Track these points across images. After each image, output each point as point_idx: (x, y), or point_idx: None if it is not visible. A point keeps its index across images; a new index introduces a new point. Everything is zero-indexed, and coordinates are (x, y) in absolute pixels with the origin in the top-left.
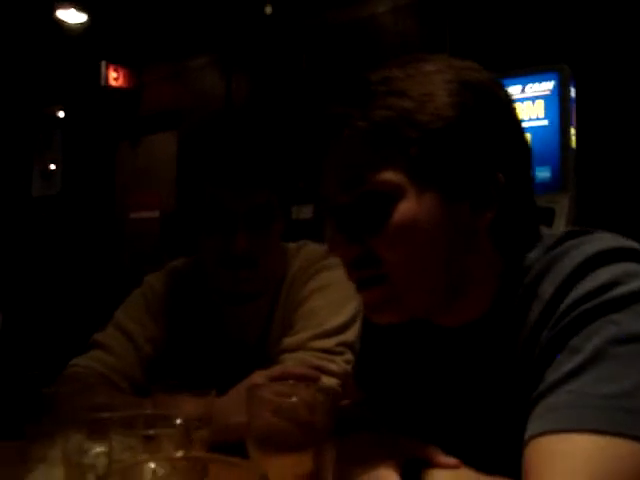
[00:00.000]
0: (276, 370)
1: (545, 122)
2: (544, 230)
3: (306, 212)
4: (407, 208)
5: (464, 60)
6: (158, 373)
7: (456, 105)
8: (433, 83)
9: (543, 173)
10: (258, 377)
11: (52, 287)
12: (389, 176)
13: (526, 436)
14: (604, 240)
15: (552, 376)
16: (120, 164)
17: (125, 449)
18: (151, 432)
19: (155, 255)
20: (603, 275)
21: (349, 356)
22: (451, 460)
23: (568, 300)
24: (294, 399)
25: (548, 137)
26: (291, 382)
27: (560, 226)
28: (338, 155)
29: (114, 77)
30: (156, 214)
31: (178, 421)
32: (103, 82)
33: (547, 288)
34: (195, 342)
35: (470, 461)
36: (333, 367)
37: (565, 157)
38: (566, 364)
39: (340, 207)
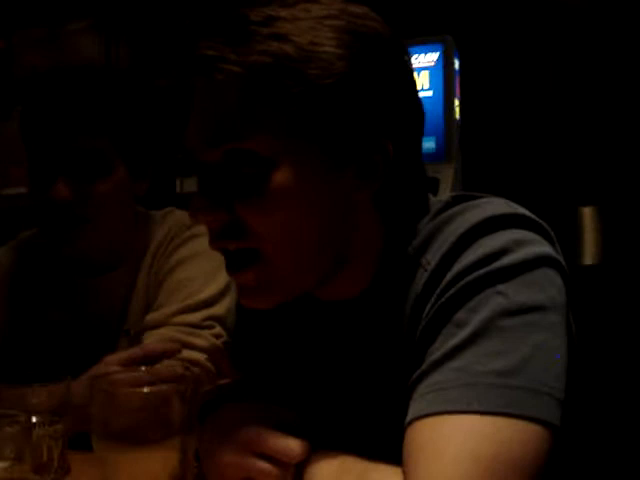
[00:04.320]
0: (128, 354)
1: (429, 93)
2: (432, 198)
3: (191, 184)
4: (284, 173)
5: (360, 6)
6: (6, 362)
7: (346, 58)
8: (323, 30)
9: (428, 144)
10: (107, 363)
11: None
12: (265, 134)
13: (408, 418)
14: (491, 206)
15: (436, 353)
16: None
17: None
18: None
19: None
20: (490, 243)
21: (218, 330)
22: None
23: (453, 271)
24: (145, 390)
25: (433, 108)
26: (144, 368)
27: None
28: (206, 103)
29: None
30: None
31: (21, 418)
32: None
33: (431, 258)
34: (48, 323)
35: (354, 445)
36: (199, 341)
37: (449, 128)
38: (451, 339)
39: (205, 165)
